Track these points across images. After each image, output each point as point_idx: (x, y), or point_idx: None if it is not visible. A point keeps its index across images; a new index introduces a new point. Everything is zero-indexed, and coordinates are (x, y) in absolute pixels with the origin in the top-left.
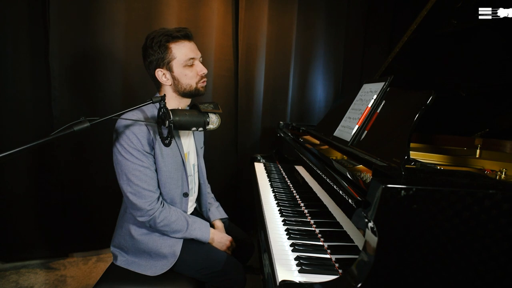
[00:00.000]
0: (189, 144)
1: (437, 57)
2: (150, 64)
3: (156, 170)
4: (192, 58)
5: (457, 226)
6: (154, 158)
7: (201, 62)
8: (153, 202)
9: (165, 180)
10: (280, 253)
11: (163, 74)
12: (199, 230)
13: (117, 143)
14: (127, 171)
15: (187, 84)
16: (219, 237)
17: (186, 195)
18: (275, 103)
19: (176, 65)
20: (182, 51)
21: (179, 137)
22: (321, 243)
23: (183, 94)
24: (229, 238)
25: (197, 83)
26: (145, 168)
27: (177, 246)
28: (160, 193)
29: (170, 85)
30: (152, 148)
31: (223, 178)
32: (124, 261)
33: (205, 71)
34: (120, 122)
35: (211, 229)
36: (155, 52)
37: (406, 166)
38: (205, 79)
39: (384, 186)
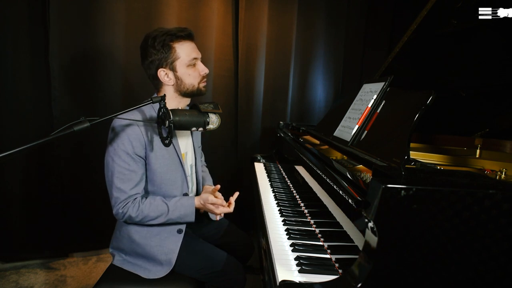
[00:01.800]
0: (187, 144)
1: (437, 57)
2: (151, 63)
3: (147, 172)
4: (195, 58)
5: (457, 226)
6: (147, 161)
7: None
8: (128, 203)
9: (160, 181)
10: (280, 253)
11: (166, 74)
12: (182, 206)
13: (110, 144)
14: (113, 172)
15: (190, 84)
16: (204, 199)
17: (186, 195)
18: (275, 103)
19: (179, 64)
20: (185, 51)
21: (176, 137)
22: (321, 243)
23: (185, 94)
24: (208, 196)
25: (199, 83)
26: (131, 171)
27: (173, 254)
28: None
29: (173, 85)
30: (145, 151)
31: (223, 178)
32: (120, 260)
33: (206, 71)
34: (116, 122)
35: (196, 197)
36: (158, 51)
37: (406, 166)
38: (206, 79)
39: (384, 186)
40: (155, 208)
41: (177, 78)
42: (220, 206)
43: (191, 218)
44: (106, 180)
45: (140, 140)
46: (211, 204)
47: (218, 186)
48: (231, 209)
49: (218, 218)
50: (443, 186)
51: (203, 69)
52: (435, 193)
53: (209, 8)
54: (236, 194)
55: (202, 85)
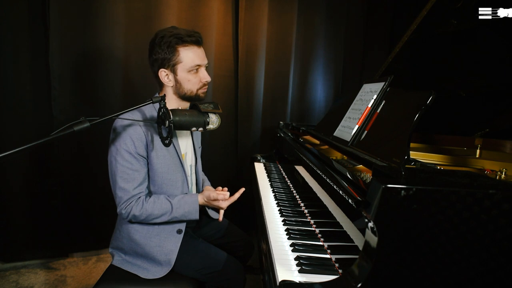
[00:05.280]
0: (187, 144)
1: (437, 57)
2: (154, 61)
3: (149, 172)
4: (198, 65)
5: (457, 226)
6: (148, 160)
7: (206, 68)
8: (131, 202)
9: (161, 181)
10: (280, 253)
11: (166, 75)
12: (186, 203)
13: (112, 144)
14: (116, 172)
15: (188, 89)
16: (207, 196)
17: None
18: (275, 103)
19: (180, 69)
20: (189, 56)
21: (176, 138)
22: (321, 243)
23: (183, 97)
24: (210, 192)
25: (198, 90)
26: (134, 171)
27: (173, 255)
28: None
29: (172, 86)
30: (147, 150)
31: (223, 178)
32: (120, 260)
33: (208, 79)
34: (118, 122)
35: (199, 194)
36: (162, 51)
37: (406, 166)
38: (206, 86)
39: (384, 186)
40: (159, 206)
41: (176, 81)
42: (225, 200)
43: (195, 215)
44: (110, 180)
45: (142, 140)
46: (214, 200)
47: (226, 189)
48: (235, 197)
49: (221, 218)
50: (443, 186)
51: (204, 77)
52: (435, 193)
53: (209, 8)
54: (242, 189)
55: (201, 91)
